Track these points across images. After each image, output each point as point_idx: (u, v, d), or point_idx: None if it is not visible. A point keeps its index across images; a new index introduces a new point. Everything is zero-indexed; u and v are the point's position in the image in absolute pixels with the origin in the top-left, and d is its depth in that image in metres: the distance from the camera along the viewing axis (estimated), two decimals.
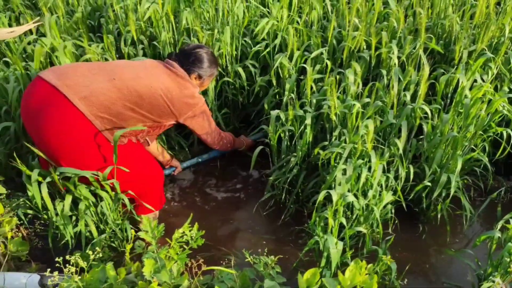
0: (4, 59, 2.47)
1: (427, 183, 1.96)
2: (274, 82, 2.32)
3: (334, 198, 1.64)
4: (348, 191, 1.79)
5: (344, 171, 1.77)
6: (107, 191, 1.76)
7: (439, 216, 2.10)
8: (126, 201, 1.80)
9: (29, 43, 2.56)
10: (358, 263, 1.43)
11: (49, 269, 1.33)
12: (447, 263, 2.04)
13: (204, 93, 2.44)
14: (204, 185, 2.55)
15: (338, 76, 2.23)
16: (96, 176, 1.69)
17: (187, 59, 1.95)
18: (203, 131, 2.09)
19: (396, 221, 2.10)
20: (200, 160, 2.52)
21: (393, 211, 1.97)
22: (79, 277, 1.28)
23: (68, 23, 2.67)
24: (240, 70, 2.40)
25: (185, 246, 1.41)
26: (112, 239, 1.98)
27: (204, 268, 1.35)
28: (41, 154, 1.67)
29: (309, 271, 1.34)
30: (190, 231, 1.41)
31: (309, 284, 1.31)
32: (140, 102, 1.77)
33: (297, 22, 2.52)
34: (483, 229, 2.23)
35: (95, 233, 1.78)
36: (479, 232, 2.21)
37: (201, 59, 1.97)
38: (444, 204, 2.01)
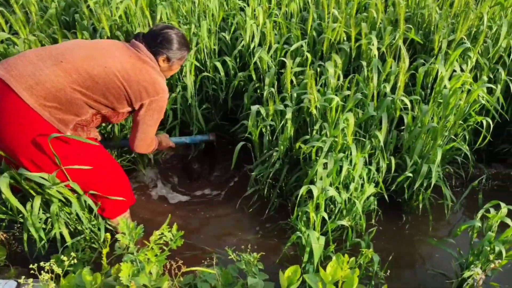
0: None
1: (408, 174, 1.96)
2: (254, 76, 2.29)
3: (315, 192, 1.63)
4: (330, 184, 1.78)
5: (325, 165, 1.76)
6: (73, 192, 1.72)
7: (421, 206, 2.11)
8: (90, 202, 1.74)
9: (1, 42, 2.48)
10: (340, 257, 1.43)
11: (23, 277, 1.30)
12: (431, 251, 2.05)
13: (184, 88, 2.40)
14: (184, 182, 2.52)
15: (318, 69, 2.21)
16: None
17: (154, 40, 1.77)
18: (143, 126, 1.78)
19: (380, 212, 2.11)
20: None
21: (375, 202, 1.97)
22: (55, 284, 1.25)
23: (42, 20, 2.59)
24: (218, 65, 2.37)
25: (164, 247, 1.38)
26: (92, 240, 1.95)
27: (184, 269, 1.33)
28: (2, 153, 1.61)
29: (290, 268, 1.32)
30: (169, 231, 1.39)
31: (290, 281, 1.30)
32: (92, 85, 1.61)
33: (276, 14, 2.48)
34: (465, 217, 2.25)
35: (67, 236, 1.73)
36: (462, 221, 2.23)
37: (170, 39, 1.78)
38: (426, 194, 2.02)
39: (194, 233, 2.17)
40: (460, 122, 2.02)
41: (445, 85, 1.96)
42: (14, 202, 1.60)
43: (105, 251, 1.37)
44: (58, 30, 2.49)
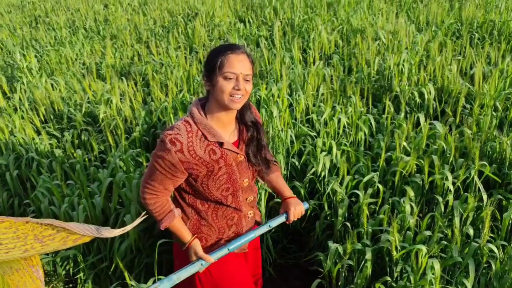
0: None
1: None
2: (325, 207, 2.33)
3: None
4: None
5: None
6: None
7: None
8: None
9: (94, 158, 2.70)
10: None
11: None
12: None
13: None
14: None
15: (390, 200, 2.22)
16: None
17: None
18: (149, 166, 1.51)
19: None
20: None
21: None
22: None
23: (127, 141, 2.86)
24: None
25: None
26: None
27: None
28: None
29: None
30: None
31: None
32: None
33: (345, 144, 2.60)
34: None
35: None
36: None
37: (206, 56, 1.50)
38: None
39: None
40: None
41: None
42: None
43: None
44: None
